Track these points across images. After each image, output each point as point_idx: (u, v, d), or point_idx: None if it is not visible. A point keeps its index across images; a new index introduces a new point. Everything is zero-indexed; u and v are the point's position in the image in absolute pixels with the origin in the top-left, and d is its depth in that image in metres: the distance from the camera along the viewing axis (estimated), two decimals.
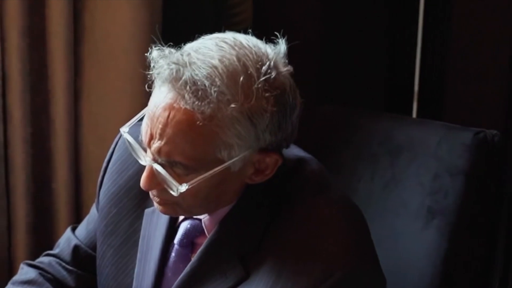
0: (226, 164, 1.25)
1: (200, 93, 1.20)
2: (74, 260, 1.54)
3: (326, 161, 1.64)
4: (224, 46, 1.24)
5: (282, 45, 1.29)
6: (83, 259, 1.54)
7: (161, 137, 1.24)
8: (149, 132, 1.26)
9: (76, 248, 1.54)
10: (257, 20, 2.25)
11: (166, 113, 1.23)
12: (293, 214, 1.31)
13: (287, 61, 1.29)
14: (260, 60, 1.24)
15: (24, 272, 1.55)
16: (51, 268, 1.54)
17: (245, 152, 1.25)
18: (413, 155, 1.62)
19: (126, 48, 1.92)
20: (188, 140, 1.23)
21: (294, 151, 1.40)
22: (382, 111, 2.38)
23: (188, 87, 1.21)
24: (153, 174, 1.27)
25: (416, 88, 2.47)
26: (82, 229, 1.57)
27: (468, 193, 1.53)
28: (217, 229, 1.33)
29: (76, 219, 2.00)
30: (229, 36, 1.28)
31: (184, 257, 1.38)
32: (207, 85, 1.20)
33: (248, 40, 1.27)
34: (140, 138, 1.29)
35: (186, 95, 1.21)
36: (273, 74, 1.24)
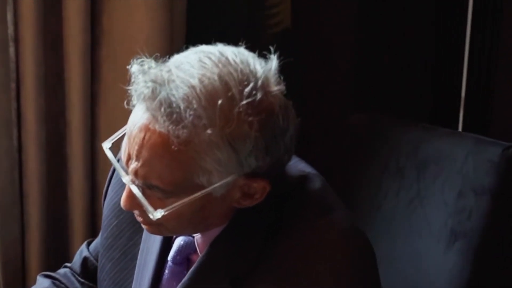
0: (206, 190, 1.17)
1: (174, 116, 1.12)
2: (83, 272, 1.53)
3: (352, 175, 1.56)
4: (207, 63, 1.15)
5: (274, 61, 1.18)
6: (91, 271, 1.51)
7: (137, 158, 1.17)
8: (127, 151, 1.19)
9: (85, 260, 1.53)
10: (294, 22, 2.17)
11: (142, 134, 1.15)
12: (291, 238, 1.22)
13: (280, 77, 1.18)
14: (246, 79, 1.14)
15: (39, 282, 1.53)
16: (65, 278, 1.52)
17: (227, 178, 1.16)
18: (440, 170, 1.53)
19: (144, 51, 1.85)
20: (164, 164, 1.15)
21: (300, 166, 1.31)
22: (427, 120, 2.31)
23: (162, 109, 1.12)
24: (132, 194, 1.20)
25: (463, 94, 2.37)
26: (95, 240, 1.55)
27: (493, 215, 1.44)
28: (207, 250, 1.26)
29: (92, 227, 1.97)
30: (215, 50, 1.18)
31: (178, 275, 1.31)
32: (182, 108, 1.12)
33: (236, 56, 1.17)
34: (119, 157, 1.22)
35: (159, 118, 1.13)
36: (259, 95, 1.14)
